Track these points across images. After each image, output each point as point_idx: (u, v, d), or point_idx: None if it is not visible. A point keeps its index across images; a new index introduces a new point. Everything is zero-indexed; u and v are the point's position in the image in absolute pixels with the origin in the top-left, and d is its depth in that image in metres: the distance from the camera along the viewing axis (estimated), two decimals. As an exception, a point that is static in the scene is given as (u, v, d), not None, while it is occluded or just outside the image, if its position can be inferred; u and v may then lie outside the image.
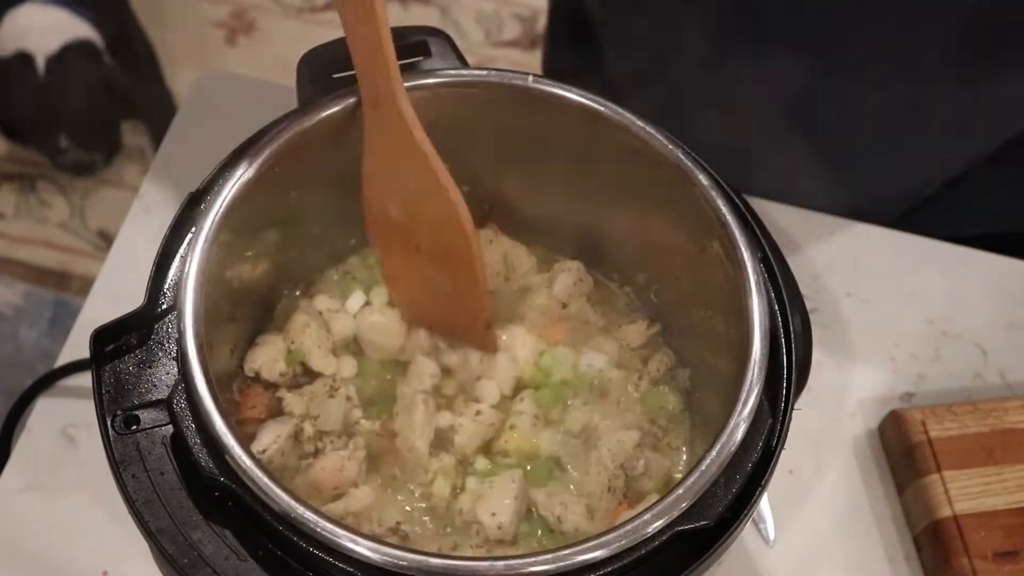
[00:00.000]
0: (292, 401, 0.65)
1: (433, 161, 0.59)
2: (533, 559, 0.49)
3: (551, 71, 1.08)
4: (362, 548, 0.49)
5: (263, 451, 0.62)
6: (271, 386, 0.67)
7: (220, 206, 0.58)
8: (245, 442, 0.52)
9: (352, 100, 0.62)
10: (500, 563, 0.49)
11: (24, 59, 1.74)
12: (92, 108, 1.79)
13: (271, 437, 0.63)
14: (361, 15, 0.55)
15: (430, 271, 0.64)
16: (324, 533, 0.49)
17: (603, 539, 0.50)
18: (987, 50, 0.79)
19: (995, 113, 0.86)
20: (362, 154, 0.62)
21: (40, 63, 1.74)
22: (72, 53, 1.76)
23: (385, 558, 0.48)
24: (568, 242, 0.74)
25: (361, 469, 0.63)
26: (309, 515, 0.49)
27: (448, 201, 0.59)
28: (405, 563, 0.48)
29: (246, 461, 0.50)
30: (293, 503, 0.49)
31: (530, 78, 0.64)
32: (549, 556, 0.49)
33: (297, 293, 0.71)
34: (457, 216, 0.60)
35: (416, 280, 0.66)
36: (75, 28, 1.78)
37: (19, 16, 1.78)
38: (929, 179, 0.94)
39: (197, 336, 0.54)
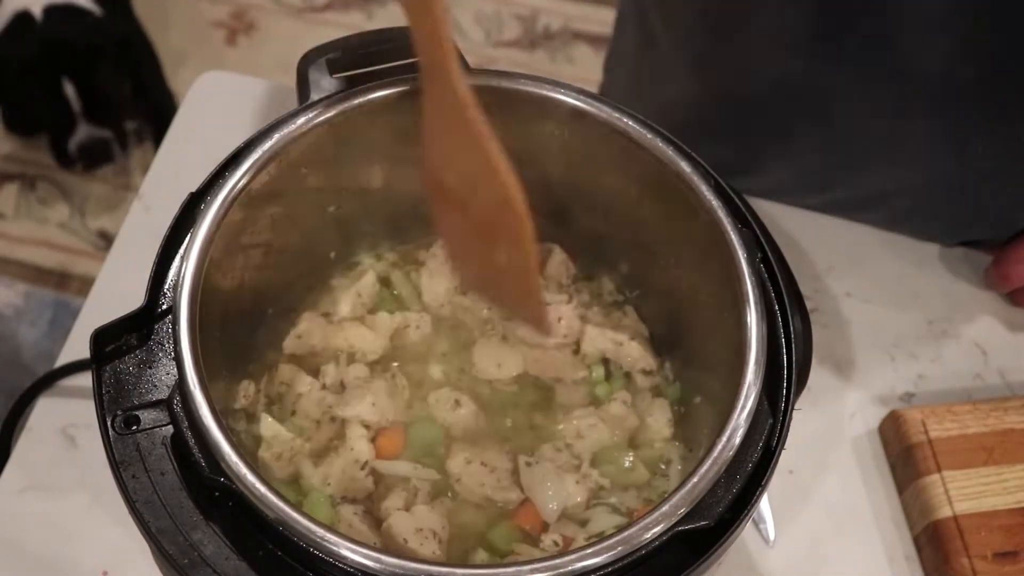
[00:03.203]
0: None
1: (487, 143, 0.56)
2: (532, 567, 0.49)
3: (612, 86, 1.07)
4: (359, 557, 0.49)
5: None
6: None
7: (220, 206, 0.58)
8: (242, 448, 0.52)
9: (354, 102, 0.62)
10: (499, 570, 0.50)
11: (22, 17, 1.79)
12: (91, 56, 1.78)
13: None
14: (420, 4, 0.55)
15: (485, 244, 0.61)
16: (320, 541, 0.49)
17: (601, 546, 0.50)
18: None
19: None
20: (421, 120, 0.60)
21: (38, 13, 1.79)
22: (70, 8, 1.80)
23: (383, 566, 0.48)
24: (567, 244, 0.74)
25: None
26: (305, 523, 0.49)
27: (501, 184, 0.56)
28: (402, 571, 0.48)
29: (242, 469, 0.50)
30: (290, 511, 0.49)
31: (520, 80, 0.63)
32: (548, 564, 0.49)
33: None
34: (510, 198, 0.57)
35: (470, 247, 0.64)
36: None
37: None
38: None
39: (193, 338, 0.54)
